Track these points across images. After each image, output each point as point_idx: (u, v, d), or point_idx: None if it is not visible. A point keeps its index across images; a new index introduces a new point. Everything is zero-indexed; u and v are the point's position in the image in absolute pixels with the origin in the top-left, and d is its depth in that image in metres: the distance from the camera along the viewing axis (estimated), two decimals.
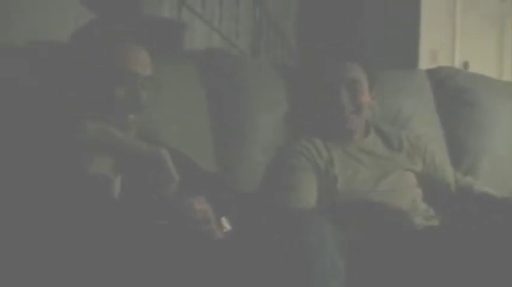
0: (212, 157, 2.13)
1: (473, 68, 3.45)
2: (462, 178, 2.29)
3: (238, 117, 2.21)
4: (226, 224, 1.56)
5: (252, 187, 2.06)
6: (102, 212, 1.35)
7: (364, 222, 1.80)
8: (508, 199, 2.12)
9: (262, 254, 1.31)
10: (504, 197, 2.13)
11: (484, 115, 2.61)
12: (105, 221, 1.34)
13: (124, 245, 1.34)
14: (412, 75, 2.66)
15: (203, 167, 1.80)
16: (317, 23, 6.03)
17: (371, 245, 1.66)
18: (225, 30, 5.16)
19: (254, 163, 2.19)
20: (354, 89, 2.10)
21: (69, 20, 1.71)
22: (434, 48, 3.68)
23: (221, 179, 1.98)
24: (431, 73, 2.69)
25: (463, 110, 2.63)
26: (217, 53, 2.46)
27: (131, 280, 1.32)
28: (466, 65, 3.75)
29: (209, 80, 2.23)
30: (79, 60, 1.59)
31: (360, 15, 4.95)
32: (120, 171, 1.50)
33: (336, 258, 1.36)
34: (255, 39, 5.74)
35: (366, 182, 2.06)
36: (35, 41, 1.83)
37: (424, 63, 3.38)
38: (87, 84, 1.57)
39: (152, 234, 1.36)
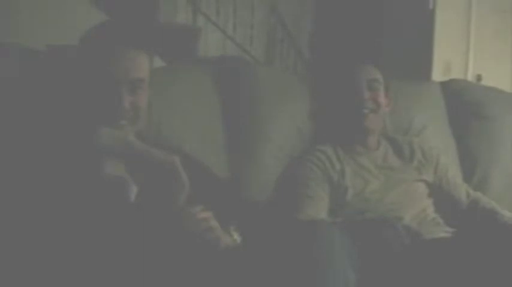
0: (224, 163, 2.14)
1: (486, 81, 3.45)
2: (473, 192, 2.28)
3: (251, 124, 2.22)
4: (235, 233, 1.56)
5: (263, 193, 2.07)
6: (117, 214, 1.36)
7: (372, 234, 1.81)
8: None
9: (272, 264, 1.32)
10: (509, 216, 2.13)
11: (496, 128, 2.60)
12: (119, 223, 1.35)
13: (134, 248, 1.35)
14: (425, 87, 2.66)
15: (216, 174, 1.81)
16: (332, 33, 6.04)
17: (379, 258, 1.66)
18: (239, 38, 5.18)
19: (266, 169, 2.19)
20: (375, 87, 2.13)
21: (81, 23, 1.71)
22: (447, 61, 3.68)
23: (233, 186, 1.99)
24: (445, 85, 2.69)
25: (475, 122, 2.63)
26: (231, 60, 2.47)
27: (138, 282, 1.33)
28: (479, 77, 3.75)
29: (223, 87, 2.24)
30: (76, 64, 1.59)
31: (376, 27, 4.96)
32: (133, 177, 1.51)
33: (346, 269, 1.37)
34: (268, 48, 5.75)
35: (376, 193, 2.06)
36: (50, 45, 1.85)
37: (438, 75, 3.38)
38: (82, 90, 1.57)
39: (161, 240, 1.37)
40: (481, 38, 3.80)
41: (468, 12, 3.95)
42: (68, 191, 1.37)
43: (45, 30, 2.18)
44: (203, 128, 2.13)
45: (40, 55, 1.79)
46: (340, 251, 1.35)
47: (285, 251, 1.33)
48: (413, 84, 2.63)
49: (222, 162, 2.13)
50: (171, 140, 1.79)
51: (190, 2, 4.28)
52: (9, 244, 1.34)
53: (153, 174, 1.45)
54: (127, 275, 1.33)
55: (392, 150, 2.21)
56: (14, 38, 1.94)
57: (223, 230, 1.52)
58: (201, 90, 2.19)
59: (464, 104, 2.65)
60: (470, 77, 3.70)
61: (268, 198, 2.06)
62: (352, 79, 2.13)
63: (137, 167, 1.49)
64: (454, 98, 2.65)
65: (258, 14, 5.55)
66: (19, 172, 1.42)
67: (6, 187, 1.38)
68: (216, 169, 1.86)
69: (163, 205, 1.44)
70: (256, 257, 1.35)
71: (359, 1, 5.89)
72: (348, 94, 2.12)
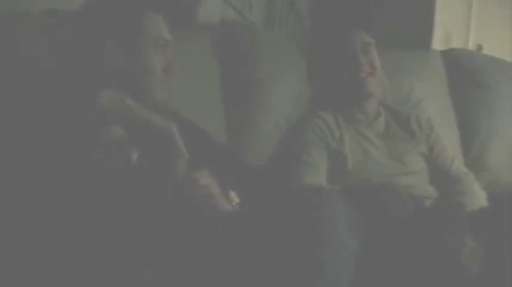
0: (224, 128, 2.14)
1: (487, 51, 3.42)
2: (461, 172, 2.24)
3: (251, 90, 2.21)
4: (235, 198, 1.56)
5: (262, 159, 2.07)
6: (119, 178, 1.36)
7: (374, 201, 1.80)
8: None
9: (274, 231, 1.31)
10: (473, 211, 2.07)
11: (496, 98, 2.60)
12: (121, 186, 1.34)
13: (135, 212, 1.35)
14: (425, 56, 2.65)
15: (215, 139, 1.80)
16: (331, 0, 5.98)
17: (382, 225, 1.66)
18: (238, 3, 5.12)
19: (265, 135, 2.19)
20: (369, 51, 2.11)
21: None
22: (448, 30, 3.65)
23: (233, 151, 1.98)
24: (445, 54, 2.68)
25: (475, 92, 2.62)
26: (230, 26, 2.45)
27: (138, 249, 1.33)
28: (479, 47, 3.72)
29: (222, 53, 2.23)
30: (95, 30, 1.57)
31: None
32: (133, 141, 1.50)
33: (349, 237, 1.36)
34: (268, 13, 5.70)
35: (377, 164, 2.06)
36: (50, 11, 1.83)
37: (438, 44, 3.35)
38: (115, 53, 1.55)
39: (161, 207, 1.37)
40: (483, 7, 3.76)
41: None
42: (69, 153, 1.36)
43: None
44: (202, 93, 2.12)
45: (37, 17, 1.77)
46: (343, 218, 1.35)
47: (288, 218, 1.33)
48: (413, 53, 2.62)
49: (220, 128, 2.12)
50: (169, 105, 1.78)
51: None
52: (12, 207, 1.34)
53: (151, 139, 1.45)
54: (128, 239, 1.34)
55: (393, 120, 2.20)
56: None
57: (223, 195, 1.52)
58: (200, 56, 2.17)
59: (465, 74, 2.65)
60: (471, 46, 3.67)
61: (267, 163, 2.05)
62: (346, 43, 2.11)
63: (136, 132, 1.48)
64: (454, 67, 2.64)
65: None
66: (20, 129, 1.41)
67: (8, 145, 1.38)
68: (214, 134, 1.86)
69: (161, 170, 1.43)
70: (257, 223, 1.35)
71: None
72: (344, 59, 2.10)
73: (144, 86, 1.57)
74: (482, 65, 2.70)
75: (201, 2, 3.21)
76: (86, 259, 1.32)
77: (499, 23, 3.78)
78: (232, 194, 1.55)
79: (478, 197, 2.10)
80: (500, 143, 2.56)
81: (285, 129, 2.16)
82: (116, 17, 1.56)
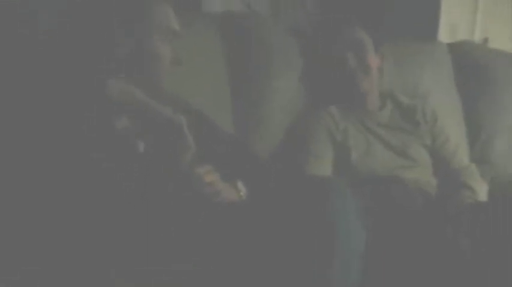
0: (230, 119, 2.13)
1: (493, 44, 3.41)
2: (463, 165, 2.24)
3: (258, 79, 2.19)
4: (242, 188, 1.56)
5: (269, 149, 2.07)
6: (125, 168, 1.35)
7: (381, 193, 1.81)
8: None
9: (282, 221, 1.31)
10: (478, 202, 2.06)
11: (503, 92, 2.59)
12: (127, 176, 1.34)
13: (141, 203, 1.35)
14: (432, 48, 2.64)
15: (224, 129, 1.80)
16: None
17: (389, 216, 1.67)
18: None
19: (272, 125, 2.18)
20: (359, 49, 2.11)
21: None
22: (454, 22, 3.64)
23: (241, 141, 1.98)
24: (452, 47, 2.67)
25: (482, 85, 2.62)
26: (236, 15, 2.44)
27: (143, 241, 1.33)
28: (485, 40, 3.70)
29: (228, 42, 2.21)
30: (104, 19, 1.56)
31: None
32: (140, 132, 1.50)
33: (357, 224, 1.36)
34: (273, 2, 5.68)
35: (381, 157, 2.06)
36: None
37: (444, 36, 3.34)
38: (123, 42, 1.55)
39: (166, 198, 1.36)
40: (489, 0, 3.75)
41: None
42: (76, 142, 1.36)
43: None
44: (209, 83, 2.11)
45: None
46: (352, 208, 1.35)
47: (297, 208, 1.32)
48: (420, 44, 2.61)
49: (227, 118, 2.11)
50: (177, 95, 1.77)
51: None
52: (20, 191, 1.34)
53: (159, 131, 1.44)
54: (134, 228, 1.33)
55: (399, 111, 2.20)
56: None
57: (230, 184, 1.51)
58: (207, 45, 2.16)
59: (471, 67, 2.64)
60: (477, 39, 3.66)
61: (274, 154, 2.05)
62: (336, 42, 2.11)
63: (143, 123, 1.48)
64: (460, 59, 2.63)
65: None
66: (27, 118, 1.40)
67: (16, 133, 1.37)
68: (221, 124, 1.85)
69: (168, 163, 1.43)
70: (265, 213, 1.35)
71: None
72: (333, 58, 2.10)
73: (152, 76, 1.56)
74: (488, 58, 2.70)
75: None
76: (87, 250, 1.31)
77: (506, 16, 3.76)
78: (240, 185, 1.55)
79: (480, 189, 2.11)
80: (506, 137, 2.55)
81: (291, 121, 2.15)
82: (125, 6, 1.55)
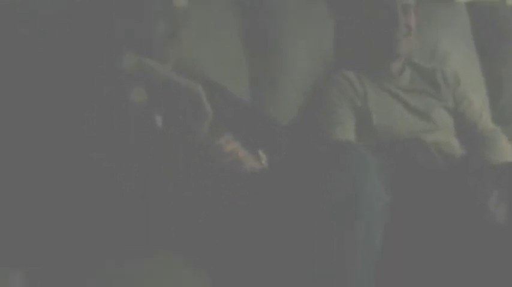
0: (247, 91, 2.12)
1: None
2: (486, 129, 2.22)
3: (274, 46, 2.17)
4: (264, 156, 1.55)
5: (288, 117, 2.05)
6: (143, 141, 1.35)
7: (402, 156, 1.80)
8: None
9: (304, 185, 1.30)
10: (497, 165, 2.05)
11: None
12: (145, 150, 1.34)
13: (160, 176, 1.34)
14: (450, 8, 2.60)
15: (240, 99, 1.79)
16: None
17: (411, 179, 1.66)
18: None
19: (289, 96, 2.16)
20: (407, 12, 2.10)
21: None
22: None
23: (259, 110, 1.97)
24: (470, 7, 2.63)
25: (501, 44, 2.58)
26: None
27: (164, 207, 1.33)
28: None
29: (246, 14, 2.19)
30: None
31: None
32: (157, 104, 1.49)
33: (380, 187, 1.36)
34: None
35: (403, 120, 2.05)
36: None
37: None
38: (128, 16, 1.54)
39: (187, 170, 1.36)
40: None
41: None
42: (92, 116, 1.36)
43: None
44: (226, 56, 2.09)
45: None
46: (374, 172, 1.34)
47: (319, 173, 1.31)
48: (438, 6, 2.57)
49: (244, 90, 2.10)
50: (193, 68, 1.76)
51: None
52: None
53: (176, 102, 1.43)
54: (153, 201, 1.34)
55: (418, 75, 2.18)
56: None
57: (251, 153, 1.51)
58: (223, 19, 2.14)
59: (490, 26, 2.60)
60: None
61: (295, 121, 2.05)
62: (388, 3, 2.08)
63: (161, 94, 1.47)
64: (479, 19, 2.60)
65: None
66: (40, 94, 1.41)
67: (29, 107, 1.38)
68: (238, 92, 1.85)
69: (187, 133, 1.42)
70: (288, 180, 1.34)
71: None
72: (383, 18, 2.08)
73: (159, 51, 1.54)
74: (507, 16, 2.66)
75: None
76: (89, 246, 1.32)
77: None
78: (261, 153, 1.54)
79: (505, 152, 2.09)
80: None
81: (309, 87, 2.14)
82: None
